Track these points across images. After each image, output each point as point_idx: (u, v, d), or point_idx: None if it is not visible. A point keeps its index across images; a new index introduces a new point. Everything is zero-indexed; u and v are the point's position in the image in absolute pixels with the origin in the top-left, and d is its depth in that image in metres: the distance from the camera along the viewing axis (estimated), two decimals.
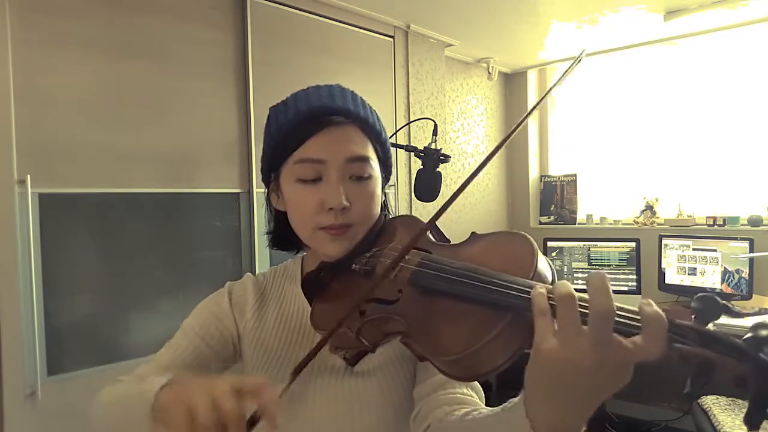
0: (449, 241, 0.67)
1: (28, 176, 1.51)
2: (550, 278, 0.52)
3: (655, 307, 0.41)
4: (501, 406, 0.55)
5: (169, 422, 0.52)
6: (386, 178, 0.81)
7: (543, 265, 0.52)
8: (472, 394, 0.68)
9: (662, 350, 0.41)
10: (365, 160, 0.72)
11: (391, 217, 0.81)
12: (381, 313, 0.60)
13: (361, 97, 0.76)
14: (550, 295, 0.44)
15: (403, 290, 0.59)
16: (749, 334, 0.42)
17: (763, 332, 0.42)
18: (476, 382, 0.69)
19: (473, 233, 0.63)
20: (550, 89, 0.67)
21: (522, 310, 0.46)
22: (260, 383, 0.50)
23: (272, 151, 0.74)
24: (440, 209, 0.56)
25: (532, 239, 0.55)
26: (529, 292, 0.46)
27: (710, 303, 0.45)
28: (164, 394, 0.55)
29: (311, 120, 0.70)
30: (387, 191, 0.82)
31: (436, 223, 0.60)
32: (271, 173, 0.76)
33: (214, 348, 0.78)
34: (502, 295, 0.48)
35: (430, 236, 0.68)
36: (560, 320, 0.42)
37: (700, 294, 0.47)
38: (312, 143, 0.69)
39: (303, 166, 0.70)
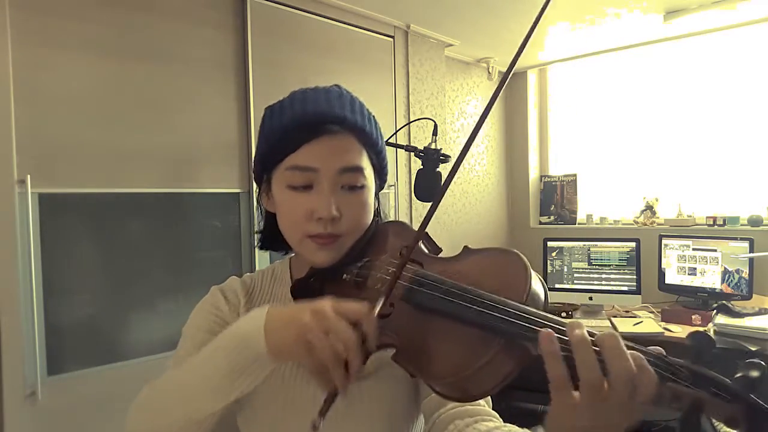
0: (441, 251, 0.67)
1: (28, 176, 1.51)
2: (543, 297, 0.53)
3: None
4: None
5: (288, 357, 0.56)
6: (380, 185, 0.79)
7: (536, 285, 0.53)
8: (481, 402, 0.68)
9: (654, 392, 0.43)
10: (359, 170, 0.70)
11: (382, 222, 0.79)
12: None
13: (359, 102, 0.74)
14: (561, 332, 0.45)
15: (395, 305, 0.59)
16: (740, 374, 0.43)
17: (754, 373, 0.42)
18: None
19: (466, 247, 0.62)
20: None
21: (515, 337, 0.47)
22: (361, 311, 0.52)
23: (264, 154, 0.72)
24: (424, 219, 0.57)
25: (525, 258, 0.55)
26: (522, 318, 0.47)
27: (704, 341, 0.46)
28: (271, 331, 0.55)
29: (306, 126, 0.68)
30: (387, 191, 0.82)
31: (427, 231, 0.60)
32: (263, 174, 0.75)
33: None
34: (496, 320, 0.48)
35: (422, 246, 0.67)
36: (582, 376, 0.43)
37: (694, 332, 0.47)
38: (305, 150, 0.68)
39: (294, 173, 0.68)
